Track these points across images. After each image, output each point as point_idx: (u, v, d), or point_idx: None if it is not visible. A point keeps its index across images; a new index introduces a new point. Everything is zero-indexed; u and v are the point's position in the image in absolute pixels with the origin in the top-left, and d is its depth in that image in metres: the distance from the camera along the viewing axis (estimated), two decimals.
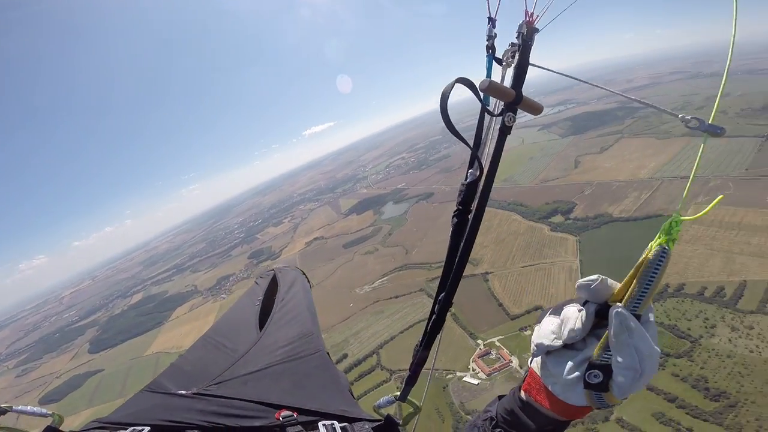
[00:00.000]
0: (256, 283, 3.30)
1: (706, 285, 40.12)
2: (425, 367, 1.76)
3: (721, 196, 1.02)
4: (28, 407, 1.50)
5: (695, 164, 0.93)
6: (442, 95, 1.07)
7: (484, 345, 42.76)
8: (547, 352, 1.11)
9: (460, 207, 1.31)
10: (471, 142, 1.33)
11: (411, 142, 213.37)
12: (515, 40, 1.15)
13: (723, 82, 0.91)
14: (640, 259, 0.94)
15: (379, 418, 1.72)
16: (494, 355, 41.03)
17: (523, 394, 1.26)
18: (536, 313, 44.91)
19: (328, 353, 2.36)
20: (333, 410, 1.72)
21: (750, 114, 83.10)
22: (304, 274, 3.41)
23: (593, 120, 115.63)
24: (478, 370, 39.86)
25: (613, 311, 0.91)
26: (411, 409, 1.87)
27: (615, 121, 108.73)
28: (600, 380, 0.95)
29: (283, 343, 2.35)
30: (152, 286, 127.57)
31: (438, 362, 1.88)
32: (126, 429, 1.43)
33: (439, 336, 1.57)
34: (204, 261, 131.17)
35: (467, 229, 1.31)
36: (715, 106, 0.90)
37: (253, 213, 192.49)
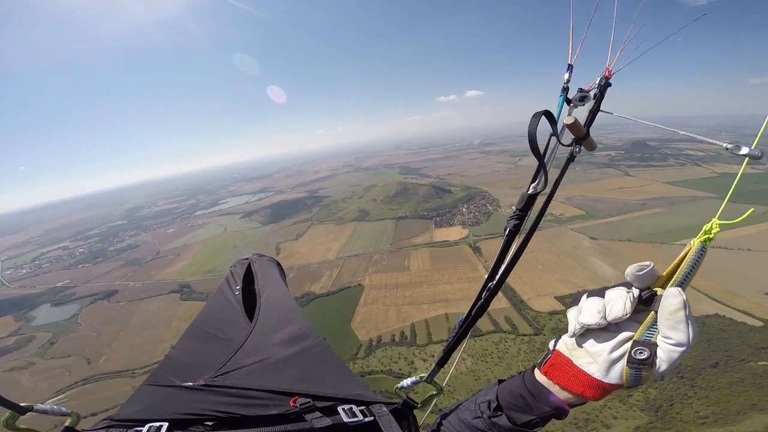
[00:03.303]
0: (231, 271, 3.08)
1: (393, 333, 51.34)
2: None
3: (752, 209, 1.14)
4: (49, 406, 1.45)
5: (735, 181, 1.04)
6: (531, 120, 1.19)
7: None
8: (581, 334, 1.20)
9: (520, 212, 1.46)
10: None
11: (79, 227, 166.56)
12: (585, 87, 1.37)
13: None
14: (683, 252, 1.05)
15: (395, 401, 1.69)
16: None
17: (540, 376, 1.31)
18: None
19: (324, 338, 2.26)
20: (348, 395, 1.67)
21: (388, 201, 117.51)
22: (277, 262, 3.31)
23: (288, 208, 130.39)
24: None
25: (674, 290, 1.00)
26: (434, 391, 1.78)
27: (306, 209, 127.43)
28: (646, 356, 1.02)
29: (278, 331, 2.26)
30: None
31: None
32: (142, 426, 1.36)
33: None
34: None
35: (526, 232, 1.47)
36: (759, 135, 1.01)
37: None
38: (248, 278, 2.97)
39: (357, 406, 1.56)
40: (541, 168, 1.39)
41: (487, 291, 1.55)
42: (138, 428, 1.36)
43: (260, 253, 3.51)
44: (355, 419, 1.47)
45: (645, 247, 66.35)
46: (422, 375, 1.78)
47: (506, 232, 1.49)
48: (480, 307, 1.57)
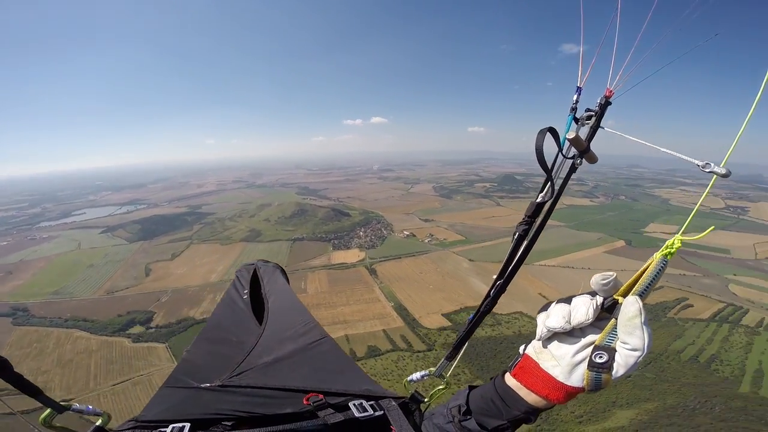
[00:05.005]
0: (237, 276, 3.20)
1: None
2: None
3: (713, 227, 1.23)
4: (84, 406, 1.55)
5: (702, 197, 1.17)
6: (538, 136, 1.29)
7: None
8: (548, 338, 1.29)
9: (528, 218, 1.55)
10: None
11: None
12: (592, 107, 1.50)
13: (741, 130, 1.07)
14: (645, 264, 1.13)
15: (403, 395, 1.78)
16: None
17: (510, 379, 1.38)
18: None
19: (331, 337, 2.37)
20: (358, 390, 1.76)
21: (284, 221, 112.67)
22: (282, 268, 3.41)
23: (164, 224, 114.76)
24: None
25: (632, 298, 1.09)
26: (442, 385, 1.85)
27: (185, 226, 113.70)
28: (604, 360, 1.11)
29: (288, 332, 2.35)
30: None
31: None
32: (166, 426, 1.44)
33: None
34: None
35: (531, 234, 1.56)
36: (728, 153, 1.11)
37: None
38: (254, 283, 3.03)
39: (367, 401, 1.63)
40: (549, 179, 1.49)
41: (496, 289, 1.63)
42: (162, 429, 1.43)
43: (264, 259, 3.57)
44: (365, 414, 1.55)
45: None
46: (431, 369, 1.85)
47: (515, 236, 1.58)
48: (488, 304, 1.65)
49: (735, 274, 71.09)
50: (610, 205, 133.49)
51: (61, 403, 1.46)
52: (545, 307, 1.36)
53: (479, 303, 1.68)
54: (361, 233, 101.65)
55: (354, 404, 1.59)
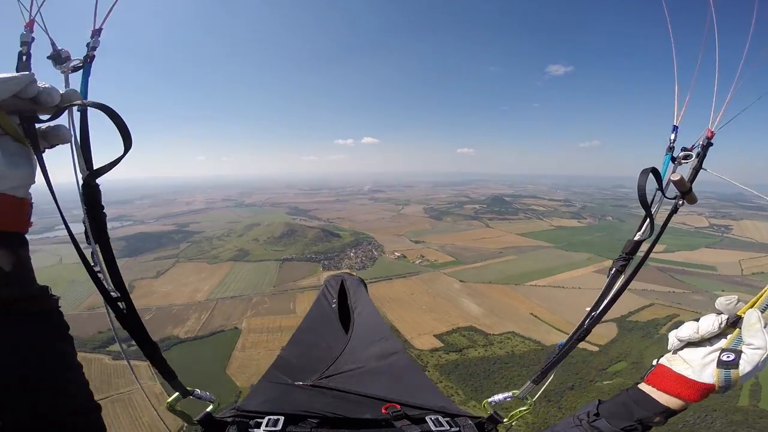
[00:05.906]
0: (326, 285, 3.49)
1: None
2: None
3: None
4: (204, 393, 1.69)
5: None
6: (640, 176, 1.39)
7: None
8: (679, 348, 1.44)
9: (626, 254, 1.66)
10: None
11: None
12: (686, 146, 1.57)
13: None
14: (764, 289, 1.29)
15: (480, 415, 1.81)
16: None
17: (644, 386, 1.50)
18: None
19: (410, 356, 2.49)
20: (434, 406, 1.84)
21: (273, 241, 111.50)
22: (364, 282, 3.61)
23: (150, 242, 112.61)
24: None
25: (753, 310, 1.26)
26: (523, 407, 1.84)
27: (172, 244, 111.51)
28: (732, 359, 1.24)
29: (371, 343, 2.52)
30: None
31: None
32: (263, 418, 1.57)
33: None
34: None
35: (630, 270, 1.66)
36: None
37: None
38: (340, 293, 3.34)
39: (443, 417, 1.68)
40: (648, 217, 1.57)
41: (591, 319, 1.70)
42: (259, 419, 1.58)
43: (349, 272, 3.81)
44: (441, 429, 1.59)
45: (503, 288, 76.07)
46: (515, 391, 1.85)
47: (612, 271, 1.68)
48: (582, 333, 1.72)
49: (723, 290, 71.46)
50: (597, 226, 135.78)
51: (188, 389, 1.58)
52: (676, 326, 1.48)
53: (572, 330, 1.74)
54: (352, 254, 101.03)
55: (431, 419, 1.64)
